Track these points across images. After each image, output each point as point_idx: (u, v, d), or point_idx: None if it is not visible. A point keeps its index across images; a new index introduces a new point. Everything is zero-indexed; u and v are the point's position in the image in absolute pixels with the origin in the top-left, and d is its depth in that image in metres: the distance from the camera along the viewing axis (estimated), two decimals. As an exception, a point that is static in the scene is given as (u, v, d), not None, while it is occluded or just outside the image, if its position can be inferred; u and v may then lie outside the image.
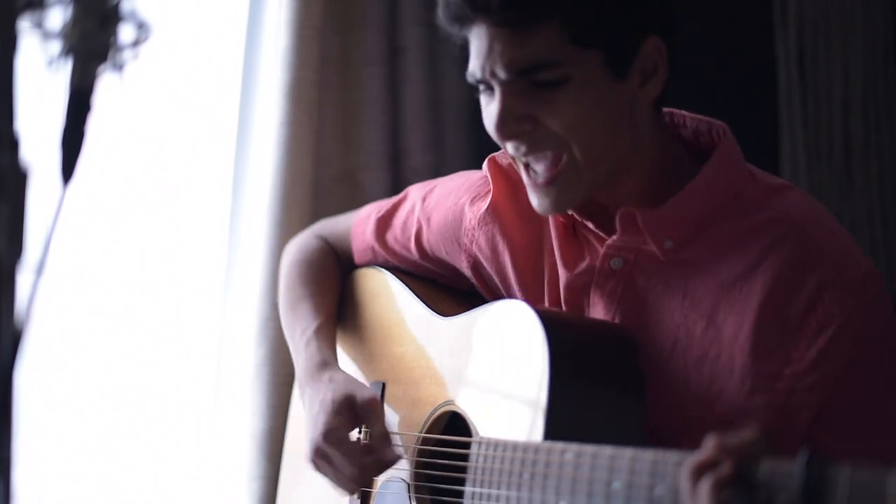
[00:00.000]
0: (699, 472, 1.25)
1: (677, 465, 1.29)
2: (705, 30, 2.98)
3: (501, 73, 1.54)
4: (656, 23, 1.58)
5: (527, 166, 1.59)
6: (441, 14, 1.59)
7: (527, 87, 1.54)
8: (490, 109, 1.57)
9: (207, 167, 2.60)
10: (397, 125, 2.66)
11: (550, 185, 1.57)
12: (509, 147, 1.58)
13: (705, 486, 1.23)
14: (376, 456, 1.71)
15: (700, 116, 1.68)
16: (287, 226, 2.46)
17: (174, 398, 2.54)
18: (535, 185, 1.59)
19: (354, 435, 1.78)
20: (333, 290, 2.02)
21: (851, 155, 3.23)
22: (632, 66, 1.56)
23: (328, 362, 1.85)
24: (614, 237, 1.62)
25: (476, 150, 2.65)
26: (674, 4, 1.62)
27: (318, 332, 1.91)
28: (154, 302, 2.51)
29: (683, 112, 1.69)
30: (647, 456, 1.34)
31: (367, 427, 1.77)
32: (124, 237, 2.47)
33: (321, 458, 1.73)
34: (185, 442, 2.55)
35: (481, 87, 1.58)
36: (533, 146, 1.56)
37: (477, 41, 1.55)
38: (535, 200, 1.60)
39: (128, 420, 2.47)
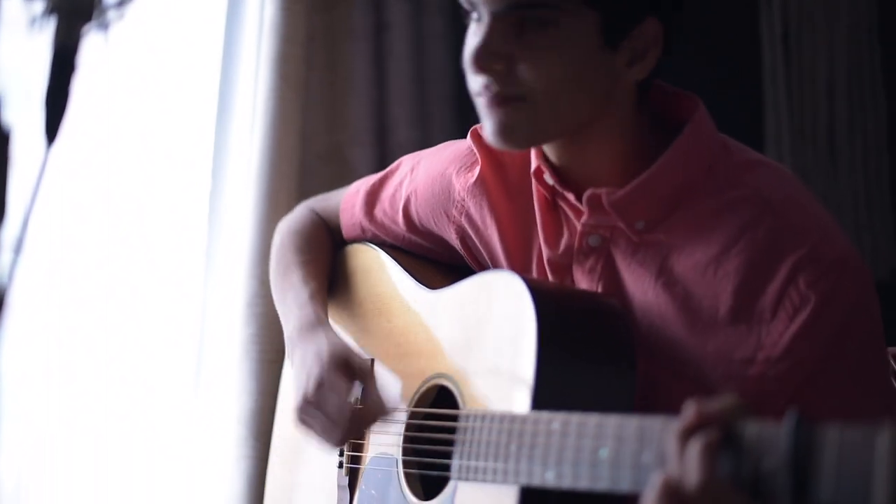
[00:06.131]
0: (687, 436, 1.23)
1: (662, 429, 1.28)
2: (689, 10, 2.96)
3: (493, 4, 1.50)
4: (661, 3, 1.54)
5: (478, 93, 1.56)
6: None
7: (513, 26, 1.50)
8: (472, 41, 1.54)
9: (187, 144, 2.56)
10: (383, 101, 2.64)
11: (500, 107, 1.53)
12: (478, 82, 1.54)
13: (695, 449, 1.22)
14: (369, 406, 1.69)
15: (673, 88, 1.64)
16: (274, 202, 2.44)
17: (158, 378, 2.50)
18: (488, 105, 1.54)
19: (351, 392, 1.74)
20: (325, 259, 1.99)
21: (836, 136, 3.23)
22: (624, 41, 1.52)
23: (322, 321, 1.83)
24: (586, 217, 1.60)
25: (462, 125, 2.65)
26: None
27: (312, 296, 1.88)
28: (134, 282, 2.47)
29: (658, 82, 1.63)
30: (633, 422, 1.32)
31: (361, 384, 1.73)
32: (102, 214, 2.43)
33: (309, 409, 1.70)
34: (171, 423, 2.51)
35: (472, 16, 1.55)
36: (501, 86, 1.52)
37: None
38: (486, 125, 1.56)
39: (111, 402, 2.44)
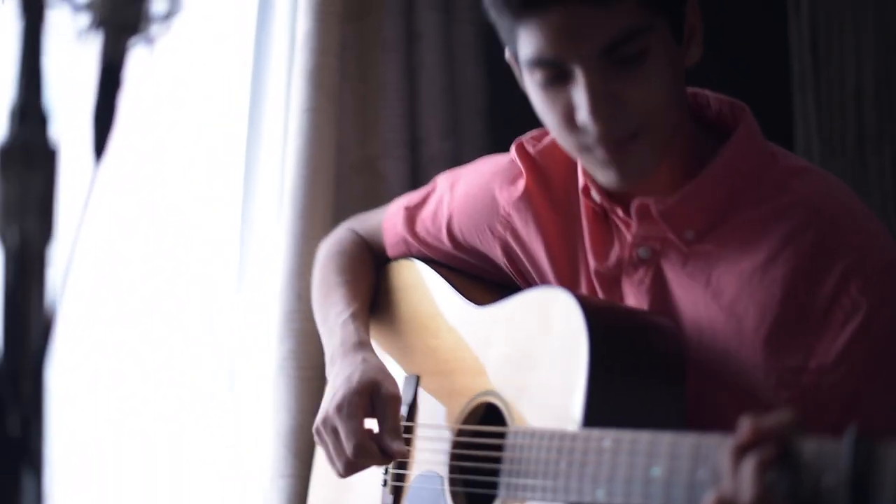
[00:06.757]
0: (741, 453, 1.21)
1: (718, 447, 1.25)
2: (717, 19, 2.94)
3: (588, 53, 1.46)
4: None
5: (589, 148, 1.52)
6: (496, 4, 1.51)
7: (607, 66, 1.47)
8: (565, 99, 1.49)
9: (219, 159, 2.54)
10: (415, 112, 2.61)
11: (626, 148, 1.50)
12: (589, 136, 1.50)
13: (749, 466, 1.19)
14: (380, 444, 1.67)
15: (721, 96, 1.64)
16: (310, 215, 2.40)
17: (195, 396, 2.48)
18: (612, 152, 1.51)
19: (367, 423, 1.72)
20: (367, 278, 1.98)
21: (865, 144, 3.20)
22: (685, 29, 1.53)
23: (365, 344, 1.82)
24: (635, 228, 1.58)
25: (493, 136, 2.62)
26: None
27: (356, 315, 1.87)
28: (171, 297, 2.45)
29: (706, 92, 1.65)
30: (688, 440, 1.30)
31: (379, 420, 1.72)
32: (137, 229, 2.42)
33: (325, 428, 1.70)
34: (208, 440, 2.48)
35: (542, 74, 1.51)
36: (622, 130, 1.49)
37: (548, 27, 1.47)
38: (608, 173, 1.53)
39: (151, 418, 2.42)
